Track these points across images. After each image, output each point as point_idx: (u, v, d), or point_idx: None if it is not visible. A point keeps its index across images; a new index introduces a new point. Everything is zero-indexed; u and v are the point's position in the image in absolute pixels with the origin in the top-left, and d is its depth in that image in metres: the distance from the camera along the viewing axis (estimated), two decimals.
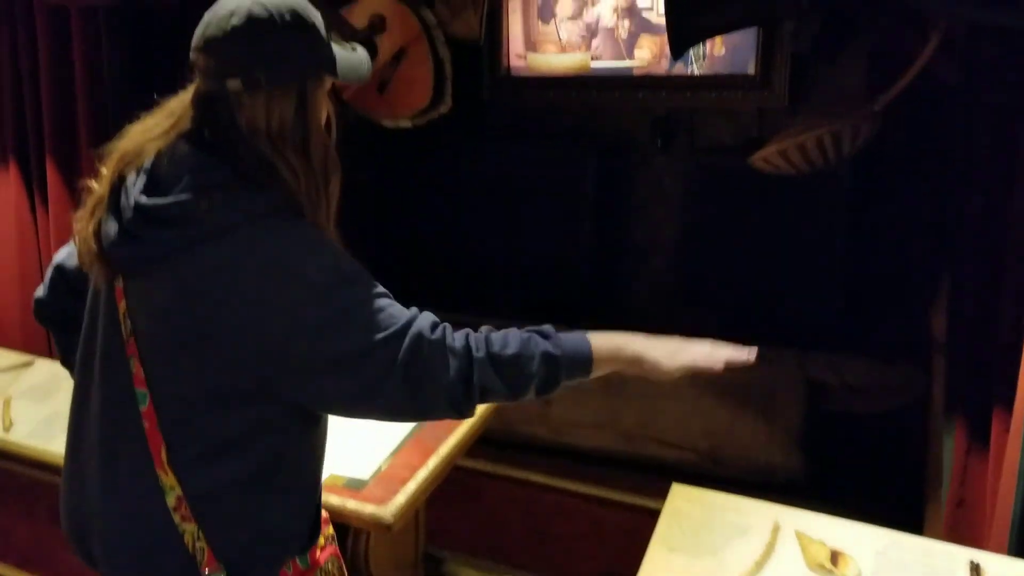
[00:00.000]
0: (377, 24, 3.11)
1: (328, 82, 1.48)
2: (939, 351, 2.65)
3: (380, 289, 1.43)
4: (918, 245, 2.98)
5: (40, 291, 1.79)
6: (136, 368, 1.45)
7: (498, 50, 3.95)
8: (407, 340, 1.38)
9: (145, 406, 1.44)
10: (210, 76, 1.40)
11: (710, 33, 2.90)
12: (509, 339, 1.44)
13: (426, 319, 1.43)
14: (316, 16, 1.45)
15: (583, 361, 1.47)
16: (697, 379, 3.13)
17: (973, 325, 2.35)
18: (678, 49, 2.60)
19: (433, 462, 2.13)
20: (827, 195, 3.26)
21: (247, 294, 1.37)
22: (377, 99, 3.28)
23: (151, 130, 1.48)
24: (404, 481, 2.05)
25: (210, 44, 1.39)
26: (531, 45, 3.95)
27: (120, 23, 3.04)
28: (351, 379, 1.38)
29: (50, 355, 3.27)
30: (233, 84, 1.38)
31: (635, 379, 3.16)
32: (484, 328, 1.47)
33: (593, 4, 3.78)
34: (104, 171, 1.49)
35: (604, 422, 3.23)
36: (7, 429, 2.64)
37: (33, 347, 3.26)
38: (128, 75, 3.05)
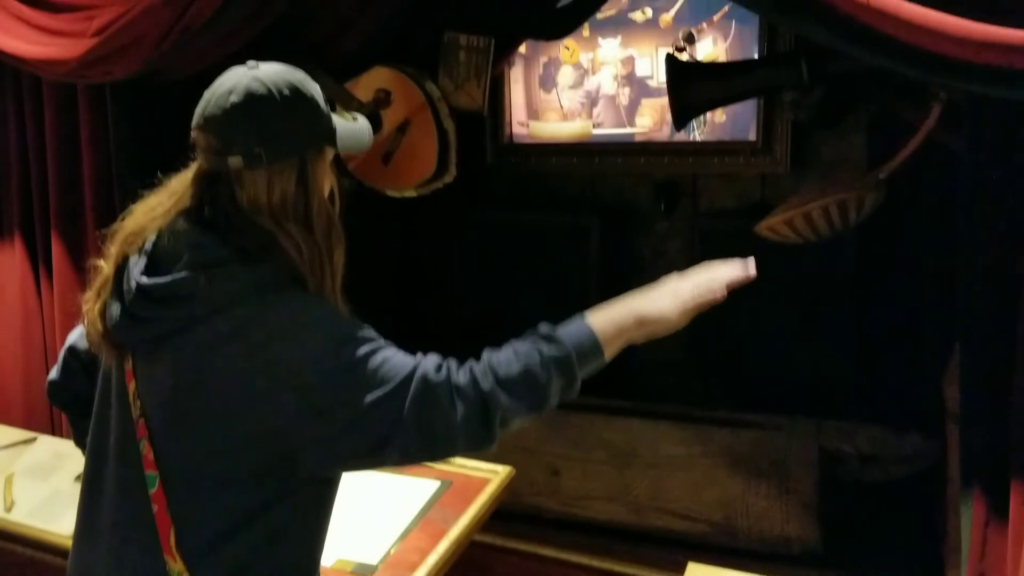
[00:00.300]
0: (382, 99, 3.14)
1: (329, 153, 1.50)
2: (953, 420, 2.62)
3: (381, 342, 1.43)
4: (927, 311, 2.96)
5: (53, 373, 1.79)
6: (146, 450, 1.44)
7: (500, 118, 3.98)
8: (412, 387, 1.37)
9: (155, 489, 1.42)
10: (211, 153, 1.42)
11: (712, 105, 2.93)
12: (512, 357, 1.44)
13: (430, 362, 1.42)
14: (315, 88, 1.47)
15: (592, 349, 1.48)
16: (710, 448, 3.14)
17: (987, 394, 2.31)
18: (681, 120, 2.62)
19: (443, 546, 2.09)
20: (833, 260, 3.26)
21: (250, 369, 1.37)
22: (382, 170, 3.29)
23: (154, 209, 1.49)
24: (414, 567, 2.01)
25: (210, 122, 1.41)
26: (533, 113, 3.98)
27: (127, 99, 3.05)
28: (363, 436, 1.37)
29: (52, 432, 3.24)
30: (234, 161, 1.39)
31: (645, 449, 3.19)
32: (486, 352, 1.46)
33: (593, 73, 3.82)
34: (109, 252, 1.50)
35: (615, 494, 3.18)
36: (8, 509, 2.61)
37: (36, 424, 3.23)
38: (135, 152, 3.06)
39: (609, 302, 1.52)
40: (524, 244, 3.95)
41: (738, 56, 3.49)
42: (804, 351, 3.40)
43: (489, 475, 2.34)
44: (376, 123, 3.29)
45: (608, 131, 3.85)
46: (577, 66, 3.84)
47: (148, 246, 1.45)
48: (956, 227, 2.87)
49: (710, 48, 3.54)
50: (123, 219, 1.52)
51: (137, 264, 1.44)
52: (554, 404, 1.45)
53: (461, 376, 1.41)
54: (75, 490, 2.42)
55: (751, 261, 1.63)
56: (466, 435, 1.40)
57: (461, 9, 3.34)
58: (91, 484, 1.56)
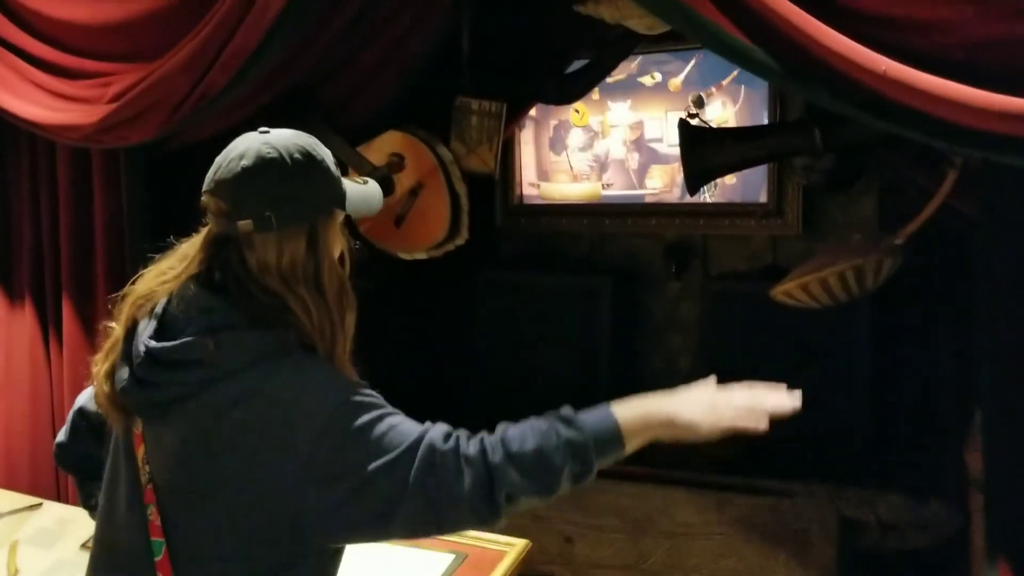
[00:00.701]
0: (396, 163, 3.15)
1: (340, 216, 1.51)
2: (977, 487, 2.57)
3: (388, 408, 1.42)
4: (944, 376, 2.93)
5: (61, 435, 1.78)
6: (153, 516, 1.42)
7: (510, 179, 3.99)
8: (419, 455, 1.35)
9: (160, 556, 1.40)
10: (221, 217, 1.43)
11: (725, 170, 2.93)
12: (528, 434, 1.40)
13: (438, 431, 1.40)
14: (325, 153, 1.48)
15: (613, 439, 1.41)
16: (727, 515, 3.09)
17: (1010, 462, 2.28)
18: (694, 185, 2.62)
19: None
20: (849, 324, 3.23)
21: (255, 436, 1.36)
22: (393, 233, 3.30)
23: (164, 273, 1.50)
24: None
25: (220, 186, 1.42)
26: (543, 174, 4.00)
27: (140, 163, 3.07)
28: (368, 504, 1.35)
29: (58, 497, 3.20)
30: (244, 225, 1.40)
31: (660, 517, 3.13)
32: (501, 426, 1.43)
33: (603, 136, 3.84)
34: (120, 315, 1.51)
35: (629, 563, 3.12)
36: None
37: (42, 489, 3.18)
38: (148, 215, 3.07)
39: (642, 397, 1.46)
40: (535, 305, 3.93)
41: (747, 120, 3.51)
42: (820, 415, 3.34)
43: (504, 548, 2.29)
44: (388, 187, 3.29)
45: (618, 192, 3.86)
46: (587, 129, 3.87)
47: (158, 310, 1.45)
48: (972, 292, 2.88)
49: (719, 112, 3.56)
50: (134, 283, 1.53)
51: (146, 328, 1.44)
52: (565, 490, 1.41)
53: (471, 447, 1.39)
54: (79, 558, 2.39)
55: (798, 395, 1.56)
56: (471, 507, 1.37)
57: (473, 74, 3.37)
58: (101, 546, 1.55)
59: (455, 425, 1.56)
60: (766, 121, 3.44)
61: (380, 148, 3.25)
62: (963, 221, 2.72)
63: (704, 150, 2.63)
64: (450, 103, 3.32)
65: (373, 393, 1.43)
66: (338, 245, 1.51)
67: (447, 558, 2.26)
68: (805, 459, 3.28)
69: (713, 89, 3.57)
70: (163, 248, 1.56)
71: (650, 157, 3.78)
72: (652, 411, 1.46)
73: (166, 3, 2.72)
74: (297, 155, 1.42)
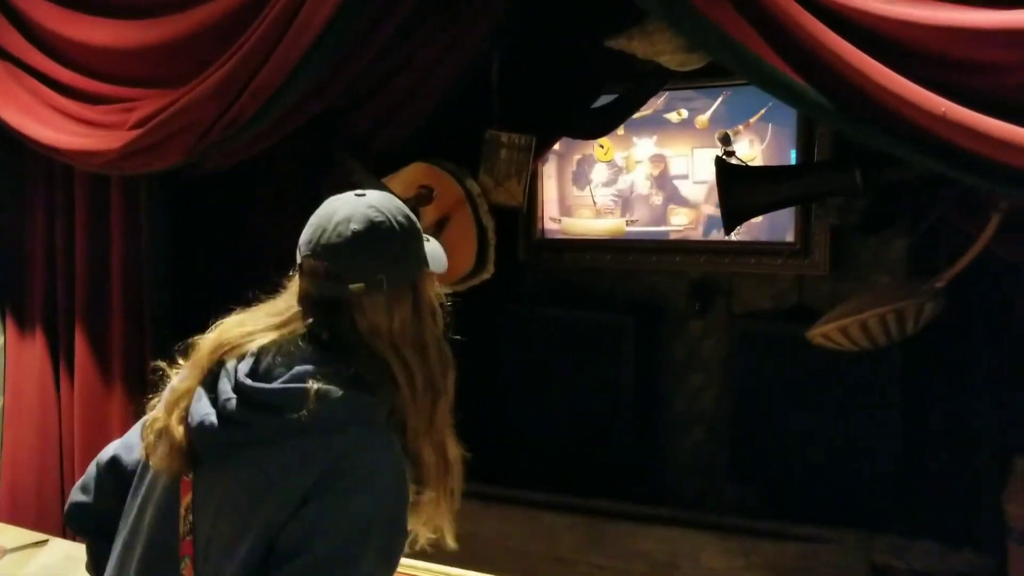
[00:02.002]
0: (425, 195, 3.10)
1: (431, 275, 1.51)
2: (1015, 539, 2.50)
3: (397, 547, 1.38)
4: (979, 422, 2.87)
5: (80, 494, 1.64)
6: (187, 570, 1.38)
7: (533, 214, 3.95)
8: None
9: None
10: (329, 280, 1.42)
11: (763, 209, 2.88)
12: None
13: None
14: (405, 205, 1.49)
15: None
16: (754, 561, 3.01)
17: None
18: (731, 224, 2.57)
19: None
20: (879, 367, 3.17)
21: (312, 497, 1.32)
22: None
23: (251, 325, 1.47)
24: None
25: (329, 250, 1.41)
26: (566, 210, 3.96)
27: (162, 190, 3.02)
28: None
29: (64, 535, 3.11)
30: (356, 288, 1.40)
31: (685, 561, 3.05)
32: None
33: (628, 171, 3.80)
34: (191, 362, 1.47)
35: None
36: None
37: (47, 525, 3.10)
38: (168, 244, 3.02)
39: None
40: (556, 341, 3.88)
41: (774, 159, 3.47)
42: (849, 460, 3.29)
43: None
44: None
45: (642, 228, 3.81)
46: (611, 164, 3.83)
47: (253, 351, 1.43)
48: (1008, 337, 2.82)
49: (747, 150, 3.52)
50: (211, 332, 1.48)
51: (240, 368, 1.41)
52: None
53: None
54: None
55: None
56: None
57: (502, 107, 3.34)
58: None
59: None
60: (793, 160, 3.40)
61: (407, 180, 3.20)
62: (998, 264, 2.68)
63: (742, 189, 2.59)
64: (477, 136, 3.28)
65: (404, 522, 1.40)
66: (436, 302, 1.51)
67: None
68: (835, 504, 3.21)
69: (740, 127, 3.54)
70: (241, 300, 1.53)
71: (675, 192, 3.73)
72: None
73: (193, 29, 2.68)
74: (401, 218, 1.44)
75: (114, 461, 1.62)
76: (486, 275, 3.27)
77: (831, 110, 1.90)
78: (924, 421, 3.13)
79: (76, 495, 1.64)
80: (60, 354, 3.19)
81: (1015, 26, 1.66)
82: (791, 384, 3.46)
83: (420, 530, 1.51)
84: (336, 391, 1.36)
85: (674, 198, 3.74)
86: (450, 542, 1.57)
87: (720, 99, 3.56)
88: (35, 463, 3.18)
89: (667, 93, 3.57)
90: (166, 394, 1.48)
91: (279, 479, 1.34)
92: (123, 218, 3.02)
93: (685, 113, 3.65)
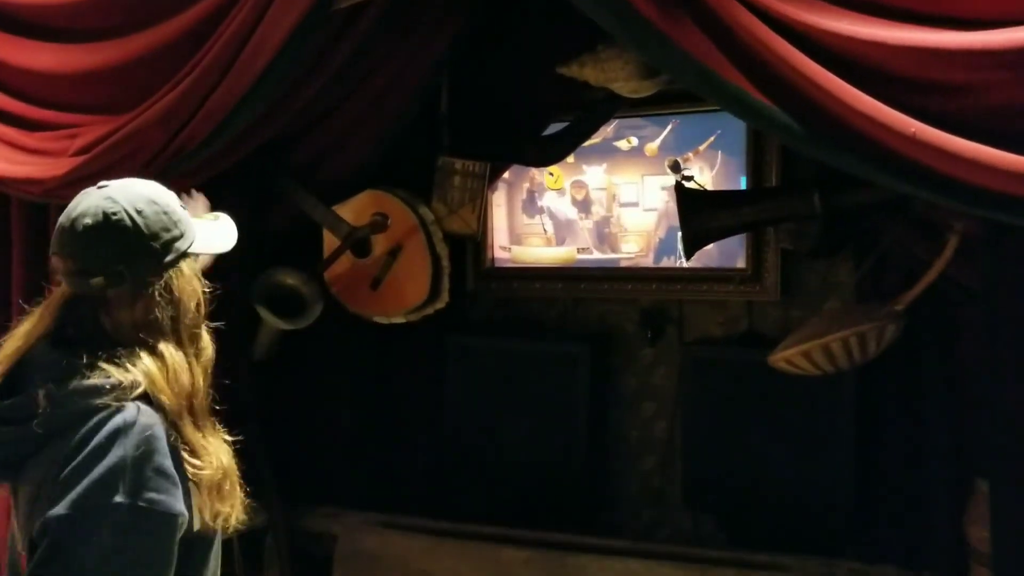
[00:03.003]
0: (379, 222, 3.05)
1: (194, 262, 1.54)
2: (980, 562, 2.52)
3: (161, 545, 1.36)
4: (936, 445, 2.90)
5: None
6: None
7: (482, 242, 3.90)
8: None
9: None
10: (72, 277, 1.44)
11: (723, 234, 2.89)
12: None
13: None
14: (170, 199, 1.51)
15: None
16: None
17: (1020, 535, 2.23)
18: (691, 249, 2.57)
19: None
20: (831, 390, 3.17)
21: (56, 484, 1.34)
22: (370, 296, 3.18)
23: (17, 337, 1.49)
24: None
25: (66, 246, 1.44)
26: (515, 238, 3.92)
27: None
28: None
29: None
30: (96, 282, 1.41)
31: None
32: None
33: (578, 199, 3.79)
34: None
35: None
36: None
37: None
38: None
39: None
40: (507, 372, 3.81)
41: (724, 185, 3.48)
42: (804, 486, 3.28)
43: None
44: (364, 249, 3.19)
45: (593, 257, 3.79)
46: (561, 192, 3.81)
47: (6, 371, 1.47)
48: (962, 358, 2.86)
49: (697, 177, 3.53)
50: None
51: None
52: None
53: None
54: None
55: None
56: None
57: (452, 133, 3.31)
58: None
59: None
60: (744, 187, 3.43)
61: (358, 207, 3.15)
62: (950, 286, 2.71)
63: (701, 214, 2.59)
64: (429, 163, 3.25)
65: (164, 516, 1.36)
66: (194, 292, 1.52)
67: None
68: (791, 531, 3.20)
69: (690, 155, 3.55)
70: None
71: (625, 220, 3.73)
72: None
73: (139, 53, 2.61)
74: (140, 205, 1.44)
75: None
76: (440, 304, 3.23)
77: (799, 132, 1.90)
78: (879, 445, 3.14)
79: None
80: None
81: (983, 47, 1.68)
82: (743, 411, 3.45)
83: (205, 512, 1.47)
84: (66, 388, 1.37)
85: (625, 226, 3.73)
86: (232, 524, 1.53)
87: (669, 127, 3.57)
88: None
89: (617, 121, 3.57)
90: None
91: (45, 483, 1.36)
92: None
93: (635, 141, 3.65)
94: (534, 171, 3.80)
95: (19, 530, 1.48)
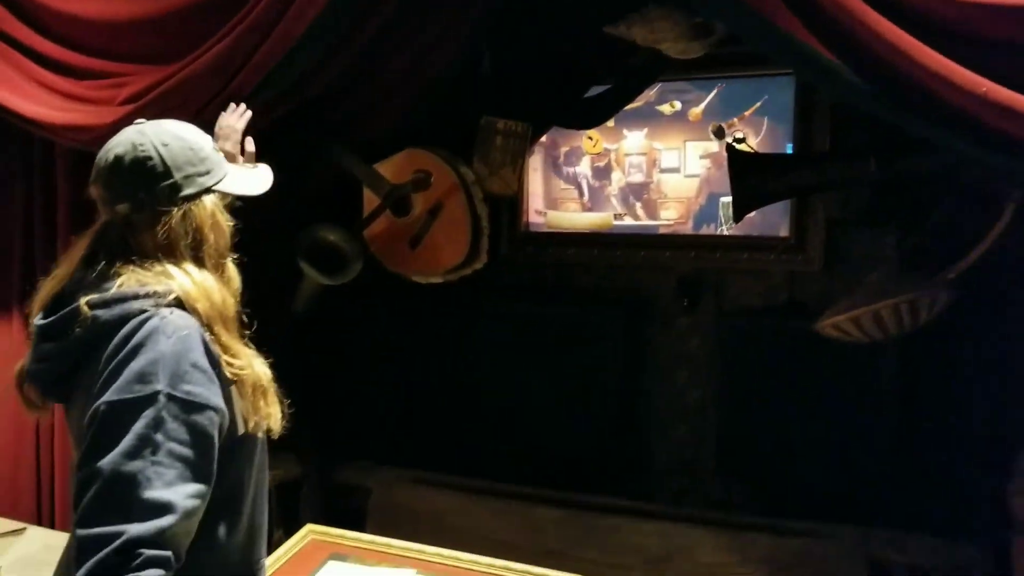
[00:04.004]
0: (422, 179, 3.03)
1: (218, 197, 1.61)
2: (1020, 532, 2.50)
3: (181, 448, 1.38)
4: (980, 415, 2.87)
5: None
6: None
7: (517, 206, 3.88)
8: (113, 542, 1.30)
9: None
10: (105, 204, 1.56)
11: (775, 198, 2.86)
12: None
13: (152, 530, 1.32)
14: (200, 137, 1.62)
15: None
16: (750, 556, 2.99)
17: None
18: (741, 213, 2.54)
19: None
20: (873, 360, 3.15)
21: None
22: (409, 255, 3.17)
23: (60, 264, 1.60)
24: None
25: (99, 176, 1.56)
26: (551, 203, 3.90)
27: None
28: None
29: (40, 522, 2.99)
30: (121, 208, 1.52)
31: (680, 556, 3.01)
32: None
33: (617, 164, 3.76)
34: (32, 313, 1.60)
35: None
36: None
37: (22, 514, 2.97)
38: None
39: None
40: (541, 337, 3.81)
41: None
42: (841, 456, 3.27)
43: None
44: (404, 208, 3.18)
45: (631, 223, 3.77)
46: (600, 156, 3.78)
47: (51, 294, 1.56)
48: (1005, 329, 2.83)
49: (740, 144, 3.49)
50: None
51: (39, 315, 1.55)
52: None
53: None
54: None
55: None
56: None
57: (494, 94, 3.28)
58: None
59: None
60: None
61: (398, 165, 3.13)
62: (996, 255, 2.68)
63: (754, 177, 2.56)
64: (469, 124, 3.22)
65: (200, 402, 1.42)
66: (216, 225, 1.59)
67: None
68: (826, 501, 3.19)
69: (735, 120, 3.51)
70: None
71: (665, 186, 3.70)
72: None
73: (189, 2, 2.59)
74: (167, 140, 1.55)
75: None
76: (479, 265, 3.21)
77: (865, 91, 1.87)
78: (918, 416, 3.12)
79: None
80: None
81: None
82: (779, 381, 3.44)
83: (248, 416, 1.54)
84: (109, 301, 1.46)
85: (664, 192, 3.70)
86: (276, 429, 1.59)
87: (715, 91, 3.54)
88: (11, 452, 3.05)
89: (660, 84, 3.54)
90: None
91: (91, 395, 1.41)
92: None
93: (678, 105, 3.62)
94: (571, 135, 3.76)
95: (75, 449, 1.51)
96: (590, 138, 3.78)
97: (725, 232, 3.60)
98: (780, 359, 3.43)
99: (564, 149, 3.86)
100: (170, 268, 1.51)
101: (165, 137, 1.56)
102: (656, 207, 3.73)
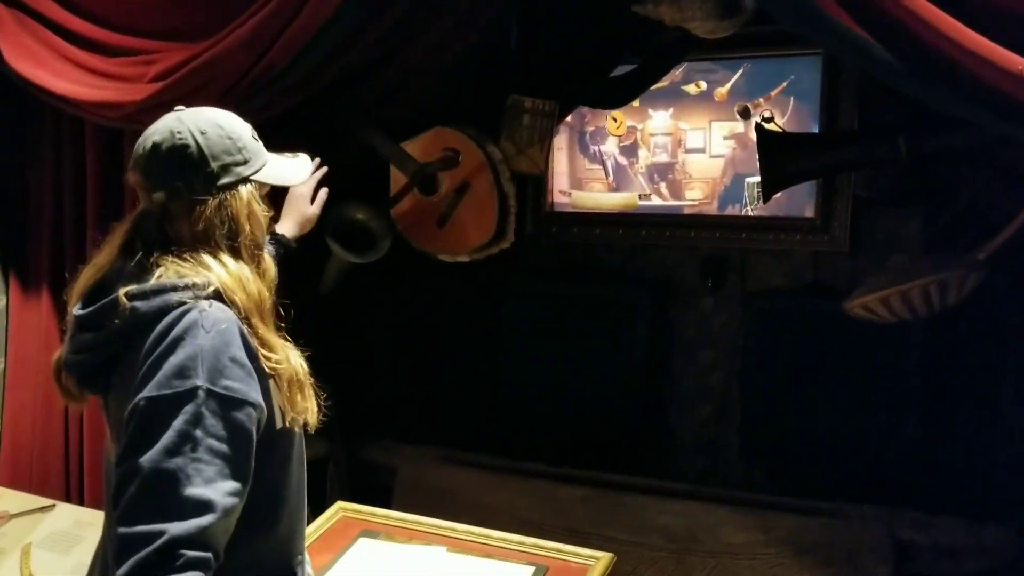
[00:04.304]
0: (451, 159, 3.03)
1: (256, 187, 1.60)
2: None
3: (219, 444, 1.38)
4: (1006, 394, 2.86)
5: None
6: None
7: (542, 186, 3.88)
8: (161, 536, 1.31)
9: None
10: (143, 191, 1.56)
11: (803, 178, 2.84)
12: None
13: (191, 529, 1.32)
14: (240, 127, 1.60)
15: None
16: (775, 536, 2.99)
17: None
18: (770, 192, 2.53)
19: None
20: (897, 341, 3.14)
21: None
22: (436, 234, 3.18)
23: (99, 253, 1.60)
24: None
25: (136, 162, 1.56)
26: (576, 183, 3.90)
27: None
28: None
29: (68, 499, 3.03)
30: (158, 196, 1.52)
31: (705, 535, 3.03)
32: None
33: (642, 144, 3.75)
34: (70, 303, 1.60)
35: None
36: None
37: (51, 491, 3.01)
38: None
39: None
40: (566, 316, 3.82)
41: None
42: (865, 437, 3.27)
43: (588, 561, 2.17)
44: (431, 186, 3.18)
45: (655, 203, 3.76)
46: (624, 136, 3.77)
47: (88, 285, 1.56)
48: None
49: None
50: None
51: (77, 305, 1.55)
52: None
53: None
54: None
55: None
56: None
57: (521, 73, 3.28)
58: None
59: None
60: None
61: (426, 144, 3.14)
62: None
63: (783, 156, 2.55)
64: (496, 102, 3.21)
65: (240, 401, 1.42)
66: (252, 215, 1.58)
67: (527, 571, 2.14)
68: (850, 482, 3.19)
69: (761, 100, 3.50)
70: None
71: (691, 166, 3.69)
72: None
73: None
74: (206, 128, 1.54)
75: None
76: (505, 244, 3.22)
77: (900, 68, 1.86)
78: (945, 395, 3.11)
79: None
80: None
81: None
82: (804, 362, 3.44)
83: (286, 410, 1.55)
84: (146, 292, 1.45)
85: (689, 172, 3.68)
86: (312, 422, 1.61)
87: (741, 71, 3.52)
88: (40, 428, 3.09)
89: (685, 64, 3.52)
90: None
91: (131, 388, 1.42)
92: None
93: (704, 85, 3.60)
94: (597, 114, 3.75)
95: (113, 441, 1.53)
96: (614, 119, 3.77)
97: (750, 212, 3.59)
98: (804, 339, 3.43)
99: (590, 129, 3.85)
100: (207, 258, 1.51)
101: (203, 125, 1.54)
102: (681, 187, 3.72)
